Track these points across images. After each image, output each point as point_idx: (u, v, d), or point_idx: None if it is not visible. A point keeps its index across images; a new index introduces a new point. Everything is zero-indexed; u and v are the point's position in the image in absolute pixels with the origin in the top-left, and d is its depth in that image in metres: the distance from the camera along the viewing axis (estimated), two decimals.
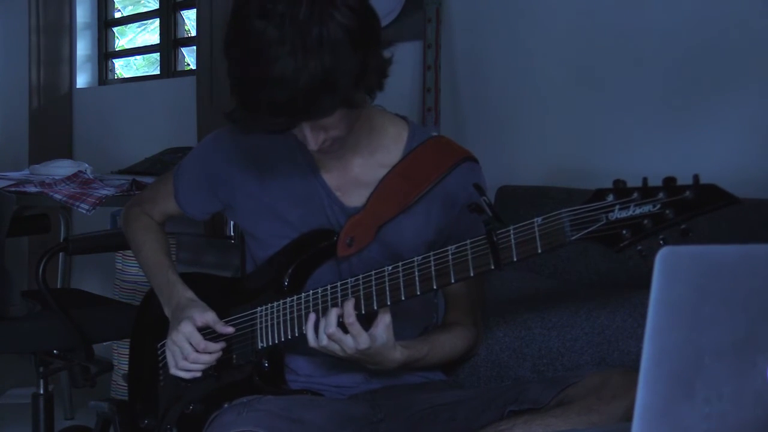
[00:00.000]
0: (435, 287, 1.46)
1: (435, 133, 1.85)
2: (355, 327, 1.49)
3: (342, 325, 1.50)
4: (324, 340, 1.51)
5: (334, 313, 1.50)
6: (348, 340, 1.49)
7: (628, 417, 1.32)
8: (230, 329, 1.68)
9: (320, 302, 1.57)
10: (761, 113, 2.23)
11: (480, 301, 1.78)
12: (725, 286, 0.86)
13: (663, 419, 0.83)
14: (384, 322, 1.51)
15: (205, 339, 1.67)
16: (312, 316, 1.54)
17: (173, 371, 1.68)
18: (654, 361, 0.82)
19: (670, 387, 0.84)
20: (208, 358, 1.66)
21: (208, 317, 1.68)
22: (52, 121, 4.80)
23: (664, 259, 0.82)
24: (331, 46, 1.38)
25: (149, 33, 4.74)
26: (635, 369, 0.84)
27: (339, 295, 1.55)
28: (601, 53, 2.57)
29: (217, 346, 1.67)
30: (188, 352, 1.65)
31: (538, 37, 2.73)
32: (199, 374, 1.68)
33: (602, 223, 1.29)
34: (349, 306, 1.49)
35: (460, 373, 1.89)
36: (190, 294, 1.74)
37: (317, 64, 1.38)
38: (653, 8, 2.45)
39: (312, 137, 1.51)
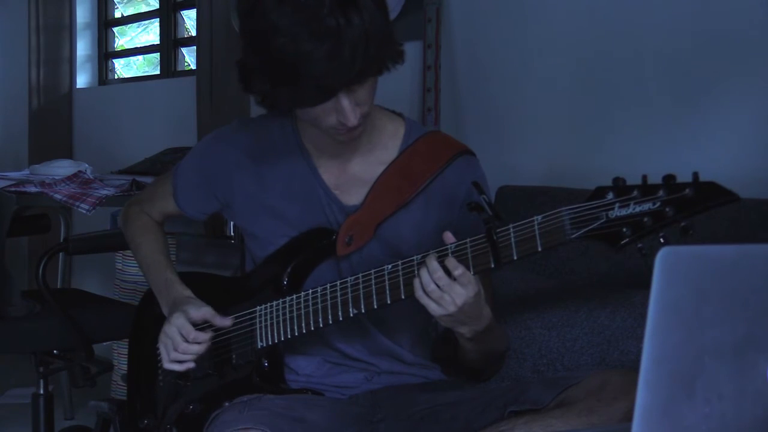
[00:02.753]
0: None
1: (431, 129, 1.85)
2: (466, 276, 1.42)
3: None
4: (431, 285, 1.42)
5: (434, 259, 1.43)
6: (458, 289, 1.42)
7: (628, 418, 1.31)
8: (228, 321, 1.67)
9: (320, 301, 1.57)
10: (761, 113, 2.23)
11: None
12: (725, 286, 0.86)
13: (663, 419, 0.83)
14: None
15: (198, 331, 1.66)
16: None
17: (166, 365, 1.68)
18: (654, 361, 0.82)
19: (670, 387, 0.83)
20: (198, 348, 1.66)
21: (205, 311, 1.67)
22: (52, 121, 4.80)
23: (664, 259, 0.82)
24: (366, 9, 1.44)
25: (149, 33, 4.74)
26: (635, 369, 0.84)
27: (339, 293, 1.55)
28: (601, 52, 2.57)
29: (206, 336, 1.66)
30: (178, 343, 1.65)
31: (539, 37, 2.72)
32: (192, 365, 1.67)
33: (602, 221, 1.29)
34: (453, 260, 1.43)
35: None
36: (187, 292, 1.74)
37: (357, 23, 1.42)
38: (654, 7, 2.44)
39: (351, 111, 1.50)
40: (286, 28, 1.42)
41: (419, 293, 1.44)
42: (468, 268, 1.42)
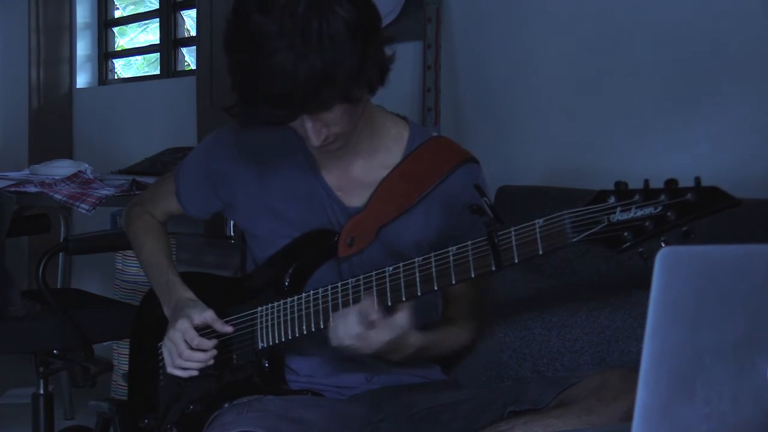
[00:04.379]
0: (436, 288, 1.46)
1: (435, 134, 1.85)
2: (381, 322, 1.47)
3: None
4: (347, 341, 1.50)
5: (353, 314, 1.49)
6: (374, 336, 1.48)
7: (628, 418, 1.32)
8: (229, 328, 1.68)
9: (320, 302, 1.57)
10: (761, 113, 2.23)
11: (480, 299, 1.77)
12: (725, 286, 0.86)
13: (663, 419, 0.83)
14: (405, 307, 1.49)
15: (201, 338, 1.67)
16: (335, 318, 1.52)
17: (170, 370, 1.68)
18: (654, 361, 0.82)
19: (670, 387, 0.83)
20: (203, 356, 1.66)
21: (207, 316, 1.67)
22: (52, 121, 4.81)
23: (664, 259, 0.82)
24: (331, 39, 1.39)
25: (149, 33, 4.75)
26: (635, 369, 0.84)
27: (339, 295, 1.55)
28: (601, 53, 2.57)
29: (210, 344, 1.66)
30: (182, 350, 1.65)
31: (539, 37, 2.73)
32: (195, 373, 1.68)
33: (604, 224, 1.29)
34: (369, 303, 1.47)
35: (459, 373, 1.89)
36: (189, 294, 1.74)
37: (316, 58, 1.39)
38: (653, 9, 2.45)
39: (314, 133, 1.50)
40: (247, 57, 1.43)
41: (336, 341, 1.51)
42: (469, 270, 1.42)
